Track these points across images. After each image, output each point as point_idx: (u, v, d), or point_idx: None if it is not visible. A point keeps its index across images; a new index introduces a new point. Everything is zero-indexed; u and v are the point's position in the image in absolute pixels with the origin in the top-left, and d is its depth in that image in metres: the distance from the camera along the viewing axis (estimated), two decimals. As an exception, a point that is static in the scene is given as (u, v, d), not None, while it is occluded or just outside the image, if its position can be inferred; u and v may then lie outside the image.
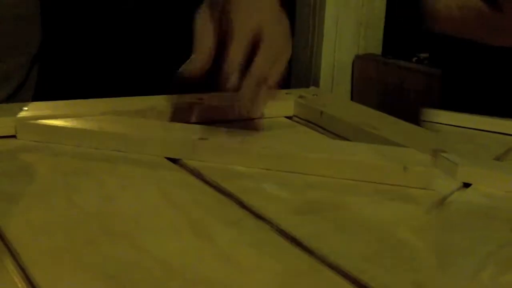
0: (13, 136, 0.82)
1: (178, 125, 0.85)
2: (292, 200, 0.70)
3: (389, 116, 0.94)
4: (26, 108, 0.85)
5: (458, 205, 0.71)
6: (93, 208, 0.65)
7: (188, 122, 0.89)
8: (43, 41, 1.07)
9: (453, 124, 0.96)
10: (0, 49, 1.00)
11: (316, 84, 1.10)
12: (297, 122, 0.96)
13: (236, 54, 0.73)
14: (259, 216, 0.65)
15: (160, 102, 0.91)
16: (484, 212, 0.70)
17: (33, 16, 1.05)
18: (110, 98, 0.92)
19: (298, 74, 1.15)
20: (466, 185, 0.76)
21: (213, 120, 0.92)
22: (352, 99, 1.15)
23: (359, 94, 1.13)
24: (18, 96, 1.00)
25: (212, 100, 0.94)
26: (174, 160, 0.78)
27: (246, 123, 0.84)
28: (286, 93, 1.01)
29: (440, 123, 0.92)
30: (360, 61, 1.13)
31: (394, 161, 0.76)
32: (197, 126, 0.86)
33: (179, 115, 0.90)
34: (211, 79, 0.75)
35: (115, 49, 1.11)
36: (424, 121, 0.91)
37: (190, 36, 0.77)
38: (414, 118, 0.92)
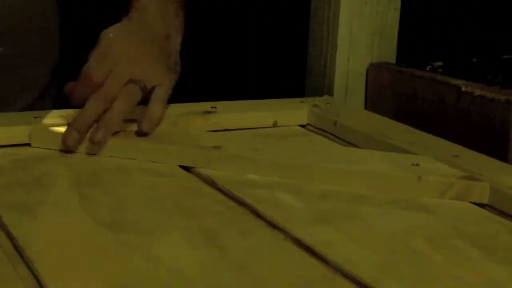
0: (28, 144, 0.82)
1: (191, 133, 0.85)
2: (306, 209, 0.70)
3: (403, 125, 0.94)
4: (40, 117, 0.85)
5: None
6: (107, 217, 0.65)
7: (201, 130, 0.89)
8: (64, 51, 1.08)
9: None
10: (21, 58, 1.01)
11: (330, 92, 1.10)
12: (311, 131, 0.96)
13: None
14: (273, 225, 0.65)
15: (173, 110, 0.91)
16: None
17: (53, 26, 1.06)
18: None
19: (312, 83, 1.15)
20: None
21: (227, 128, 0.92)
22: (366, 107, 1.14)
23: (373, 102, 1.13)
24: (38, 105, 1.01)
25: (226, 109, 0.94)
26: (187, 169, 0.78)
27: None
28: (300, 102, 1.01)
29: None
30: (374, 70, 1.13)
31: (408, 170, 0.75)
32: (211, 134, 0.86)
33: (192, 124, 0.90)
34: None
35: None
36: None
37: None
38: (427, 127, 0.91)
